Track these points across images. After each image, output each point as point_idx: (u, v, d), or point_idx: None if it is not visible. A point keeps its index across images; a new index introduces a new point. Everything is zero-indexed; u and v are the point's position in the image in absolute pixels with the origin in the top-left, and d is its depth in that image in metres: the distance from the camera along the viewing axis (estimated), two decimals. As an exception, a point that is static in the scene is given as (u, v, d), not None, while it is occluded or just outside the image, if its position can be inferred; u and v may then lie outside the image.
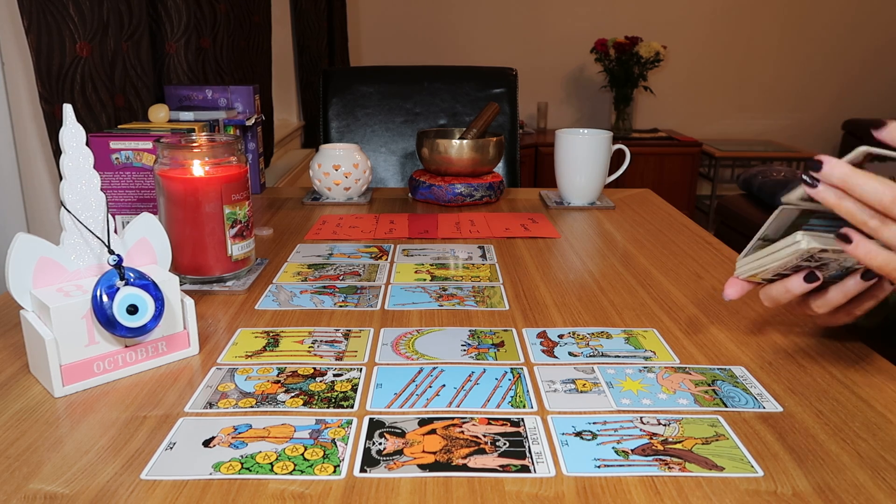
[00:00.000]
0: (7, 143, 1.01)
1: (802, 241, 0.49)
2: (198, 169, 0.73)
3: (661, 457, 0.46)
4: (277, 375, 0.57)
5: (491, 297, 0.75)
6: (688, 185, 3.51)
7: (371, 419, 0.50)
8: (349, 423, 0.50)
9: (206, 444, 0.47)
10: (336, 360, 0.60)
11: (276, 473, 0.44)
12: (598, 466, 0.45)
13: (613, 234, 1.00)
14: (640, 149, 3.42)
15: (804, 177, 0.46)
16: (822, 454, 0.46)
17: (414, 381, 0.56)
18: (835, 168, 0.45)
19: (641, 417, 0.51)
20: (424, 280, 0.80)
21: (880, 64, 3.88)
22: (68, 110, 0.56)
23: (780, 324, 0.68)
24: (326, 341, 0.64)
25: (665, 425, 0.50)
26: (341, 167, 1.15)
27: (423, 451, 0.46)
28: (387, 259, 0.88)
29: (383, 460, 0.45)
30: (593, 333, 0.66)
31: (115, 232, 0.59)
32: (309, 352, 0.62)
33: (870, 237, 0.46)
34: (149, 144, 0.90)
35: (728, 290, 0.56)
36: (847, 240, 0.47)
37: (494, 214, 1.10)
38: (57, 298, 0.54)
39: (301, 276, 0.81)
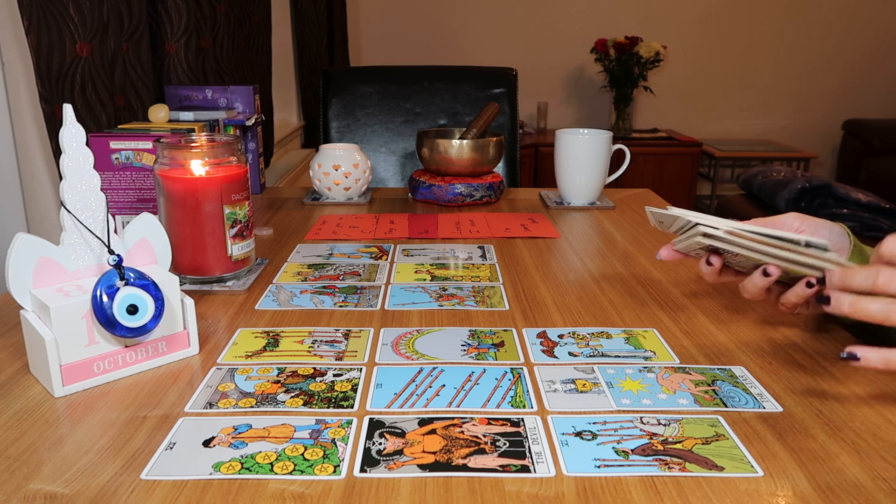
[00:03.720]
0: (7, 143, 1.01)
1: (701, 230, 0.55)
2: (198, 169, 0.73)
3: (661, 457, 0.46)
4: (277, 375, 0.57)
5: (491, 297, 0.75)
6: (688, 185, 3.51)
7: (371, 419, 0.50)
8: (349, 423, 0.50)
9: (206, 444, 0.47)
10: (336, 360, 0.60)
11: (276, 473, 0.44)
12: (598, 466, 0.45)
13: (613, 234, 1.00)
14: (640, 149, 3.42)
15: (821, 303, 0.50)
16: (822, 454, 0.46)
17: (414, 381, 0.56)
18: (831, 276, 0.50)
19: (641, 417, 0.51)
20: (424, 280, 0.80)
21: (880, 64, 3.88)
22: (68, 110, 0.56)
23: (780, 324, 0.68)
24: (326, 341, 0.64)
25: (665, 425, 0.50)
26: (341, 167, 1.15)
27: (423, 451, 0.46)
28: (387, 259, 0.88)
29: (383, 460, 0.45)
30: (593, 333, 0.66)
31: (115, 232, 0.59)
32: (309, 352, 0.62)
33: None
34: (149, 144, 0.90)
35: (662, 252, 0.63)
36: (828, 302, 0.50)
37: (494, 214, 1.10)
38: (57, 298, 0.54)
39: (301, 276, 0.81)
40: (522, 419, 0.50)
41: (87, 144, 0.57)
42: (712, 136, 3.92)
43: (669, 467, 0.45)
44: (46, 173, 1.05)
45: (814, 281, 0.53)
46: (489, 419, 0.50)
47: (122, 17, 1.09)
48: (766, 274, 0.54)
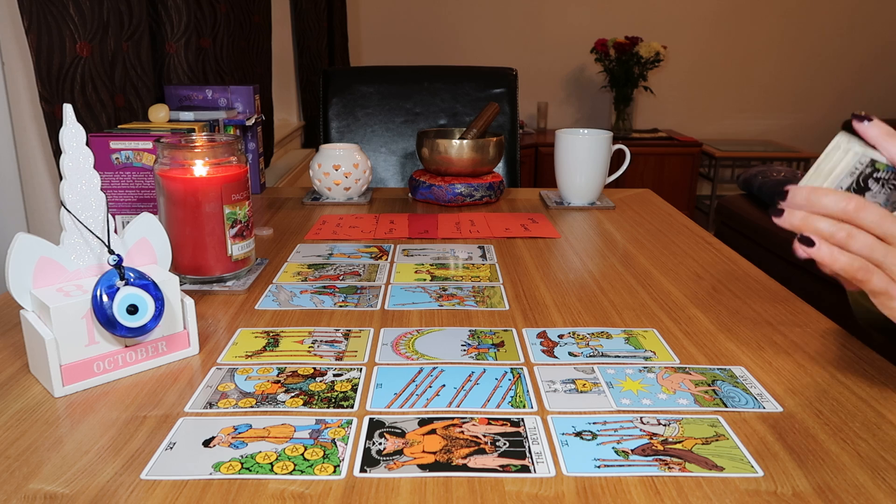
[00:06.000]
0: (7, 143, 1.01)
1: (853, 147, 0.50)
2: (198, 169, 0.73)
3: (661, 457, 0.46)
4: (277, 375, 0.57)
5: (491, 297, 0.75)
6: (688, 185, 3.51)
7: (371, 419, 0.50)
8: (349, 423, 0.50)
9: (206, 444, 0.47)
10: (336, 360, 0.60)
11: (276, 473, 0.44)
12: (598, 466, 0.45)
13: (613, 234, 1.00)
14: (640, 149, 3.42)
15: (772, 214, 0.49)
16: (822, 454, 0.46)
17: (414, 381, 0.56)
18: (798, 191, 0.48)
19: (641, 417, 0.51)
20: (424, 280, 0.80)
21: (881, 64, 3.88)
22: (68, 110, 0.56)
23: (780, 324, 0.68)
24: (326, 341, 0.64)
25: (665, 425, 0.50)
26: (341, 167, 1.15)
27: (423, 451, 0.46)
28: (387, 259, 0.88)
29: (383, 460, 0.45)
30: (593, 333, 0.66)
31: (115, 232, 0.59)
32: (309, 352, 0.62)
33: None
34: (149, 144, 0.90)
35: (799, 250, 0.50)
36: (810, 243, 0.48)
37: (494, 214, 1.10)
38: (57, 298, 0.54)
39: (301, 276, 0.81)
40: (522, 419, 0.50)
41: (87, 144, 0.57)
42: (712, 136, 3.92)
43: (669, 467, 0.45)
44: (46, 173, 1.05)
45: None
46: (489, 419, 0.50)
47: (122, 17, 1.09)
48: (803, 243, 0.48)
